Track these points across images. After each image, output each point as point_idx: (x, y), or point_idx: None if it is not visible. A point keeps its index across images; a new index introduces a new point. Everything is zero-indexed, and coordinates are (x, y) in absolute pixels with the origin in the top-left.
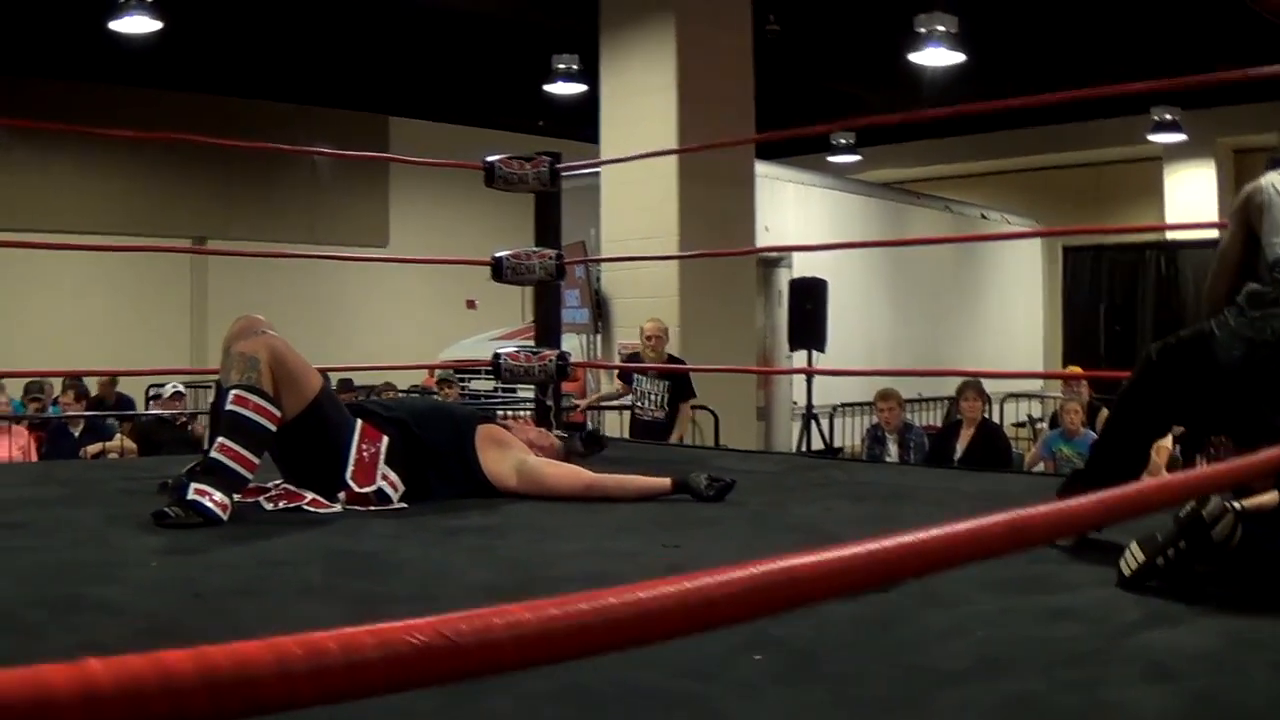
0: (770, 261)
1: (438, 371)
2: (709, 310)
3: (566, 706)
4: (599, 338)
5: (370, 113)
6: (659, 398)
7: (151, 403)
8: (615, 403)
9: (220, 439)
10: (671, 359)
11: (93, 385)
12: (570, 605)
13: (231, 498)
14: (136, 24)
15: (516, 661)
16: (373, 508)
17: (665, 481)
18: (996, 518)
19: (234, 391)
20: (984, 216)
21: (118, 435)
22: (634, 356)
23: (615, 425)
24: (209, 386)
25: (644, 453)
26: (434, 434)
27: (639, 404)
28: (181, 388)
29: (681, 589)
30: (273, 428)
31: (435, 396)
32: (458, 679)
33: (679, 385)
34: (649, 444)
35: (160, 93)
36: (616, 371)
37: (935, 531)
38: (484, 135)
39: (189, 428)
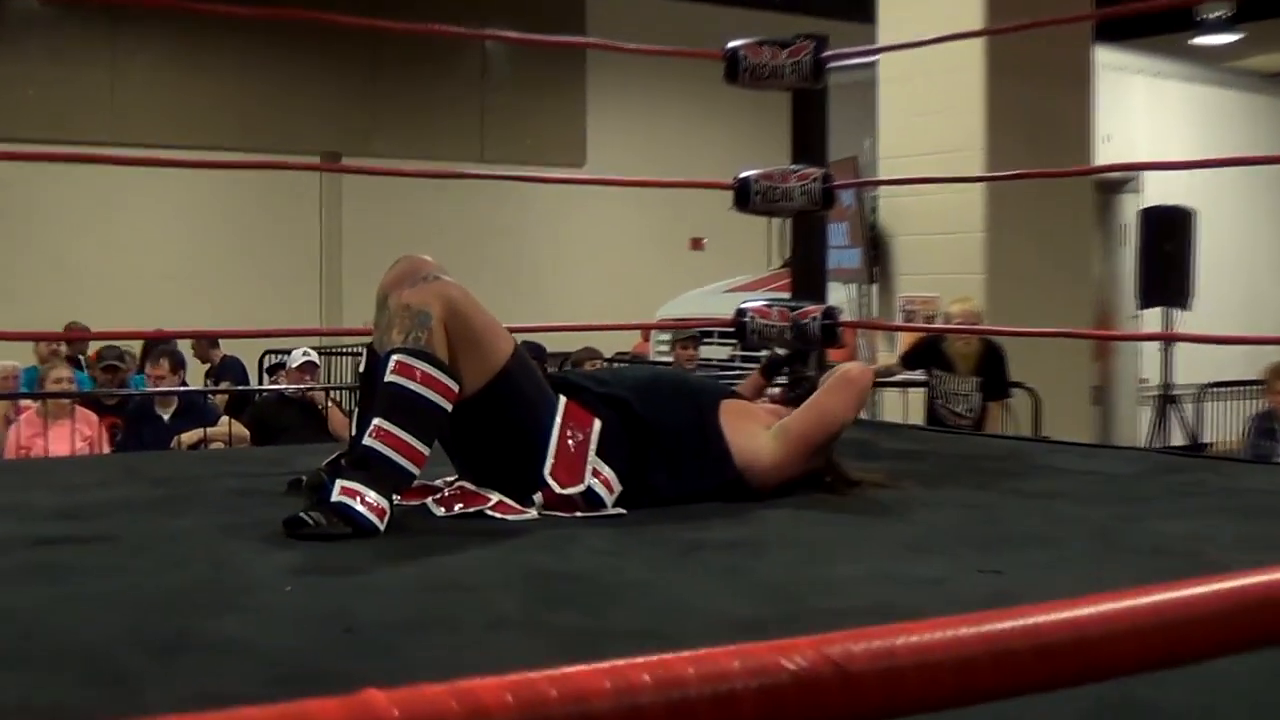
0: (1112, 185)
1: (663, 333)
2: (1026, 252)
3: None
4: (874, 288)
5: None
6: (969, 398)
7: (269, 376)
8: (891, 380)
9: (376, 421)
10: (989, 349)
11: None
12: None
13: (391, 500)
14: None
15: (918, 699)
16: (580, 514)
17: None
18: None
19: (396, 358)
20: None
21: (223, 418)
22: (927, 317)
23: (895, 407)
24: (350, 353)
25: (945, 444)
26: (665, 414)
27: (941, 401)
28: (314, 355)
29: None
30: (448, 406)
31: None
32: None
33: (993, 381)
34: (952, 433)
35: None
36: (898, 343)
37: None
38: (712, 14)
39: (322, 407)
